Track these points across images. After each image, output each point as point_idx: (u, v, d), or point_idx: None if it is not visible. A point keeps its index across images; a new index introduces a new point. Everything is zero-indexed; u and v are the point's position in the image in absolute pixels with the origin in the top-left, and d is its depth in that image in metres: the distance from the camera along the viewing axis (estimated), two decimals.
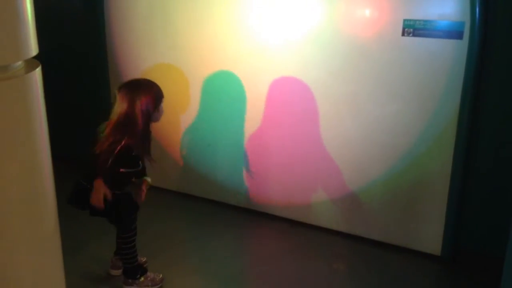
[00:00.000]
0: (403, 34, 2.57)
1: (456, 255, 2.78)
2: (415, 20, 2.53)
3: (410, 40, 2.57)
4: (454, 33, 2.47)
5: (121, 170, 2.28)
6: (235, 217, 3.29)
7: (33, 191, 1.06)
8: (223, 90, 3.17)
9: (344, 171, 2.94)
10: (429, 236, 2.79)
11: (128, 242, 2.46)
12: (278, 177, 3.16)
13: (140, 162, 2.35)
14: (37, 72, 1.07)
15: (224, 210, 3.34)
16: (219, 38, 3.08)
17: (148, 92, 2.27)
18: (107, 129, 2.24)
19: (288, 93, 2.98)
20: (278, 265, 2.78)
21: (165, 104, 2.39)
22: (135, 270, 2.51)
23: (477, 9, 2.37)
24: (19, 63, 1.04)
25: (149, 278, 2.51)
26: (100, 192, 2.22)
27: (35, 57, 1.08)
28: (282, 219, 3.20)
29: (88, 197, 2.28)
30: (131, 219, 2.45)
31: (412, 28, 2.55)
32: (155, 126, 2.44)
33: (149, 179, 2.46)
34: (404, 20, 2.55)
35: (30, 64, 1.07)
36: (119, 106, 2.23)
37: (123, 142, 2.18)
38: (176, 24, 3.19)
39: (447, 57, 2.51)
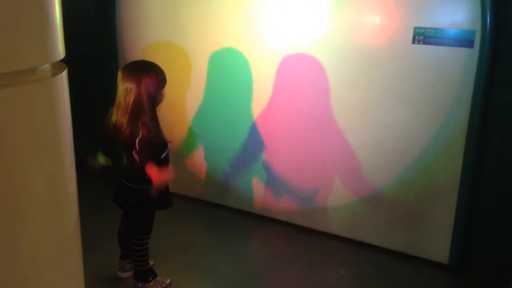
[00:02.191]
0: (413, 42, 2.59)
1: (464, 264, 2.78)
2: (425, 28, 2.55)
3: (420, 48, 2.58)
4: (464, 41, 2.48)
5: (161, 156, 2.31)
6: (242, 222, 3.29)
7: (57, 192, 1.07)
8: (230, 93, 3.19)
9: (352, 177, 2.94)
10: (437, 244, 2.79)
11: (143, 244, 2.45)
12: (286, 182, 3.16)
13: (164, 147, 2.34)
14: (64, 75, 1.08)
15: (231, 215, 3.34)
16: (228, 41, 3.10)
17: (152, 73, 2.23)
18: (118, 115, 2.22)
19: (298, 99, 3.00)
20: (285, 271, 2.77)
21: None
22: (146, 273, 2.50)
23: (488, 18, 2.38)
24: (46, 65, 1.05)
25: (158, 282, 2.51)
26: (160, 174, 2.21)
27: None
28: (289, 225, 3.21)
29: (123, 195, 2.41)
30: (151, 219, 2.46)
31: (422, 36, 2.56)
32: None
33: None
34: (415, 28, 2.57)
35: (56, 67, 1.09)
36: (123, 86, 2.21)
37: (140, 135, 2.18)
38: (188, 27, 3.22)
39: (457, 66, 2.52)
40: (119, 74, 2.24)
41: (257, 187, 3.27)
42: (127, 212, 2.56)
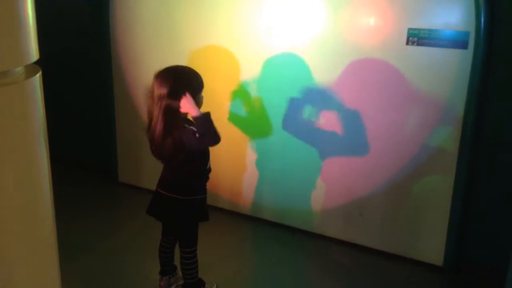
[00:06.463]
0: (407, 43, 2.57)
1: (459, 266, 2.76)
2: (419, 29, 2.53)
3: (414, 49, 2.56)
4: (458, 42, 2.46)
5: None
6: (236, 223, 3.28)
7: (30, 197, 1.06)
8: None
9: (346, 179, 2.92)
10: (431, 246, 2.77)
11: (194, 256, 2.35)
12: (280, 183, 3.15)
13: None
14: (37, 78, 1.06)
15: (224, 216, 3.33)
16: (220, 43, 3.09)
17: (185, 78, 2.12)
18: (153, 123, 2.11)
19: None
20: (278, 273, 2.76)
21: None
22: (198, 284, 2.43)
23: (482, 19, 2.36)
24: (19, 68, 1.04)
25: None
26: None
27: (36, 62, 1.08)
28: (283, 226, 3.19)
29: (161, 207, 2.29)
30: (195, 230, 2.34)
31: (416, 37, 2.54)
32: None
33: None
34: (409, 29, 2.55)
35: (30, 70, 1.07)
36: (156, 93, 2.08)
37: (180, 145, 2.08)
38: (181, 27, 3.20)
39: (452, 67, 2.50)
40: (153, 80, 2.12)
41: (253, 188, 3.26)
42: (169, 226, 2.42)
